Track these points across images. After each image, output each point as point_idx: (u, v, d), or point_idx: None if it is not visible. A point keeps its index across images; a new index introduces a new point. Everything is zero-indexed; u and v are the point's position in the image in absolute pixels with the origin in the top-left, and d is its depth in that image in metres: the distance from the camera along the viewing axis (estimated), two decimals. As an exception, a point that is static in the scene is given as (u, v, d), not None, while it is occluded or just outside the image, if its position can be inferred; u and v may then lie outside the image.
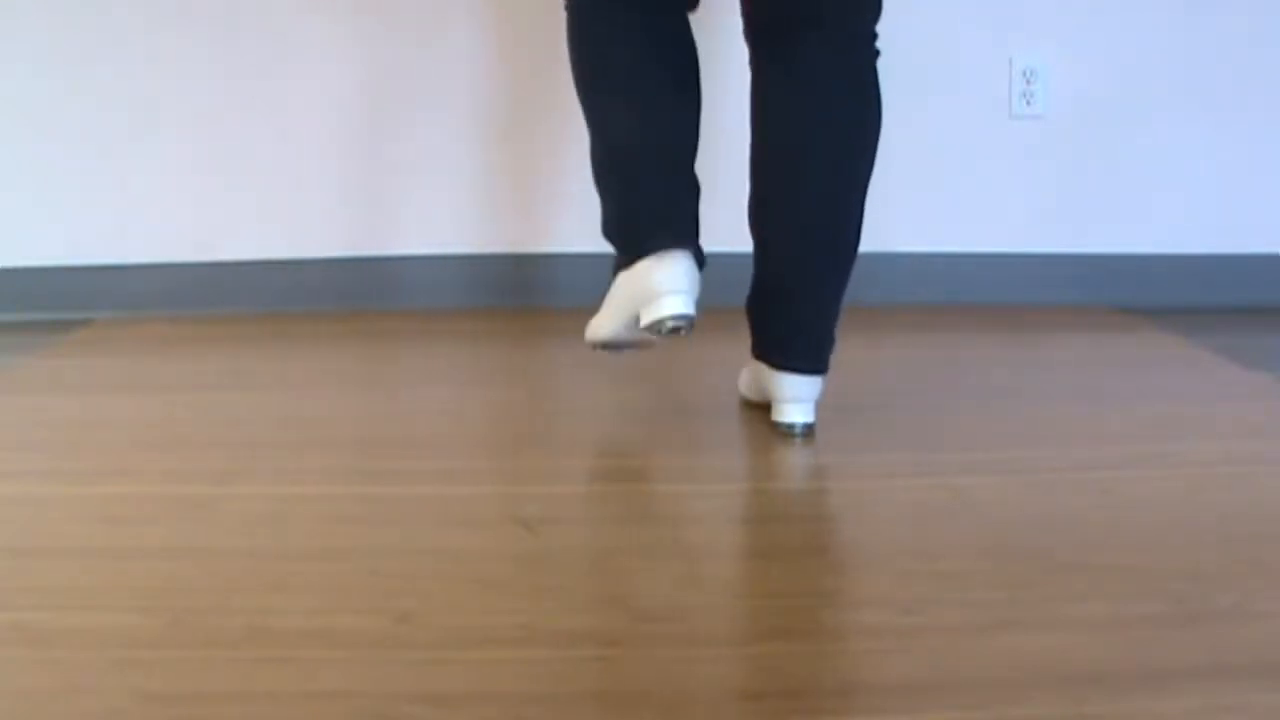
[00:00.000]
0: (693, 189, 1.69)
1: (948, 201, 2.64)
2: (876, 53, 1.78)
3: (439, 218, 2.63)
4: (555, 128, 2.56)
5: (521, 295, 2.65)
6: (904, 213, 2.63)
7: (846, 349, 2.27)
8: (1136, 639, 1.10)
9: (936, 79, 2.59)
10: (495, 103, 2.57)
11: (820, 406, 1.72)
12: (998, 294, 2.65)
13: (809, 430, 1.70)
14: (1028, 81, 2.59)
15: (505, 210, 2.62)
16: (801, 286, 1.70)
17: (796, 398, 1.70)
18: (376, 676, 1.05)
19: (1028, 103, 2.60)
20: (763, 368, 1.74)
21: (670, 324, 1.60)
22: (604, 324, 1.72)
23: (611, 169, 1.69)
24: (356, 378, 2.12)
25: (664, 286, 1.59)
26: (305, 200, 2.61)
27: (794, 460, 1.62)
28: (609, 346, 1.77)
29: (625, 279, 1.66)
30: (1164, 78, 2.61)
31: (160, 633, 1.13)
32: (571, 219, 2.59)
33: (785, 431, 1.70)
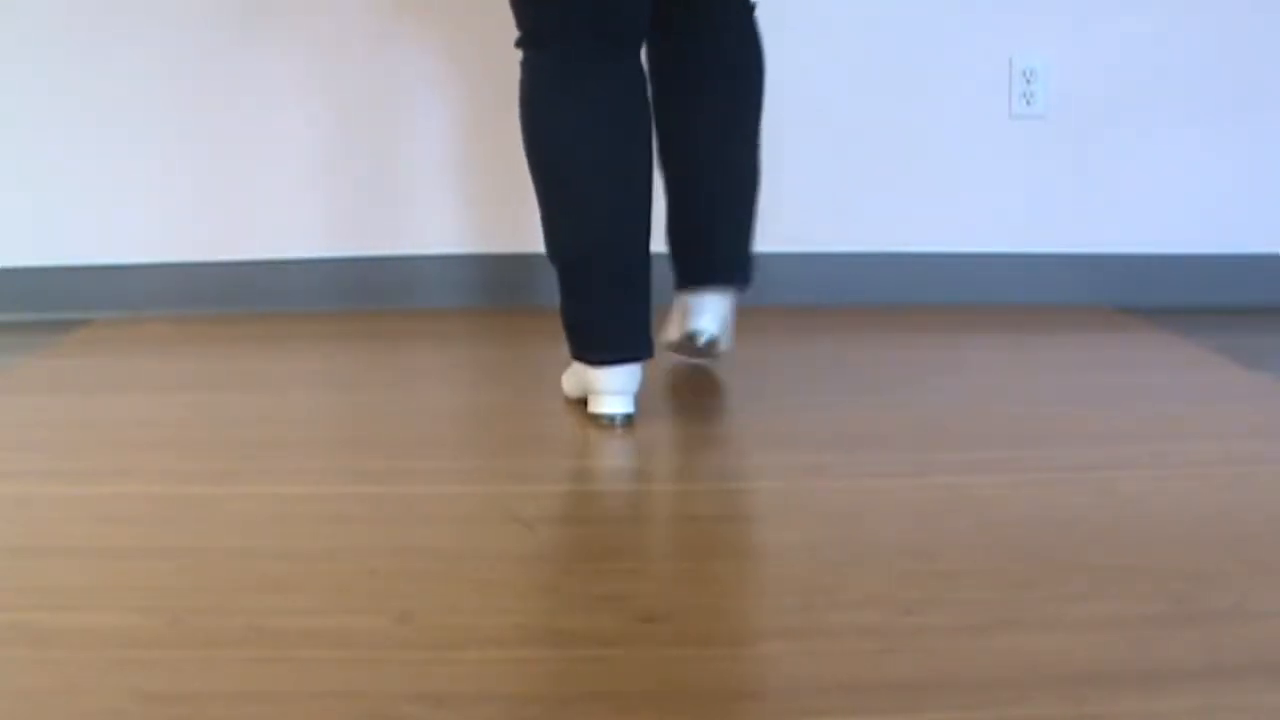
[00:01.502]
0: (639, 292, 1.74)
1: (948, 201, 2.64)
2: (752, 7, 1.92)
3: (439, 218, 2.63)
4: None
5: (521, 295, 2.65)
6: (904, 213, 2.63)
7: (846, 349, 2.27)
8: (1136, 639, 1.10)
9: (936, 79, 2.59)
10: (496, 102, 2.57)
11: (821, 406, 1.72)
12: (998, 294, 2.65)
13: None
14: (1028, 81, 2.59)
15: (505, 210, 2.62)
16: (718, 211, 1.91)
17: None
18: (376, 676, 1.05)
19: (1028, 103, 2.60)
20: (684, 296, 1.93)
21: (607, 422, 1.77)
22: (568, 386, 1.90)
23: (562, 265, 1.76)
24: (356, 377, 2.12)
25: (606, 388, 1.76)
26: (305, 200, 2.61)
27: (793, 460, 1.62)
28: None
29: (577, 367, 1.83)
30: (1164, 78, 2.61)
31: (160, 633, 1.13)
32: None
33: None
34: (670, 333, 2.02)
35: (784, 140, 2.58)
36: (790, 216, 2.59)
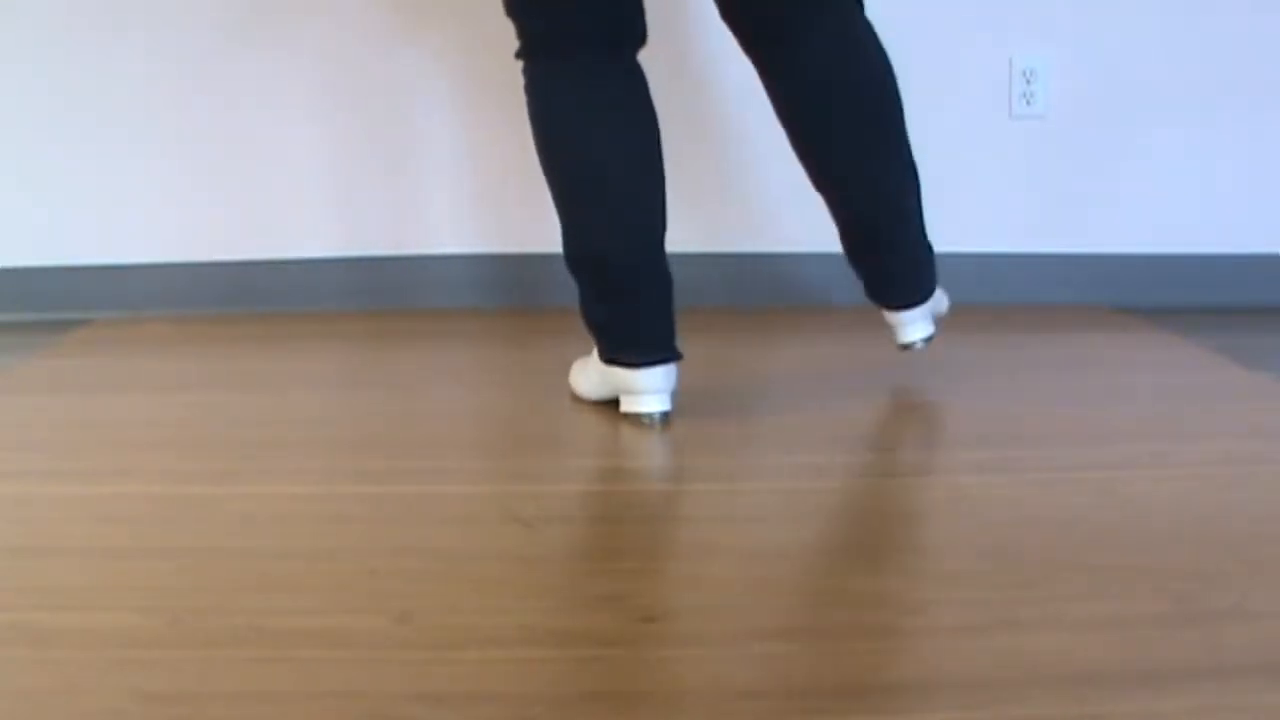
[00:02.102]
0: (665, 292, 1.75)
1: (948, 201, 2.63)
2: (862, 5, 1.84)
3: (439, 217, 2.63)
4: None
5: (521, 295, 2.65)
6: (904, 213, 2.63)
7: (846, 348, 2.27)
8: (1136, 639, 1.10)
9: (936, 79, 2.59)
10: (496, 101, 2.57)
11: (821, 406, 1.72)
12: (998, 294, 2.65)
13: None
14: (1028, 81, 2.59)
15: (506, 210, 2.62)
16: (885, 234, 1.87)
17: (915, 319, 1.88)
18: (376, 676, 1.05)
19: (1028, 103, 2.60)
20: (615, 369, 1.80)
21: (647, 421, 1.77)
22: (584, 388, 1.89)
23: (590, 269, 1.75)
24: (356, 377, 2.12)
25: (645, 389, 1.76)
26: (306, 200, 2.61)
27: (793, 460, 1.62)
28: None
29: (605, 369, 1.81)
30: (1164, 78, 2.61)
31: (160, 633, 1.13)
32: (571, 219, 2.59)
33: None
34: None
35: (783, 140, 2.57)
36: (790, 216, 2.59)
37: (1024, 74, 2.59)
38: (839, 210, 1.88)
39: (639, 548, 1.35)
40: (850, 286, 2.68)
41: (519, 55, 1.74)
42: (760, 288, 2.61)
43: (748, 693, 1.02)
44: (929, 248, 1.92)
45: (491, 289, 2.65)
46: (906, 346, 1.93)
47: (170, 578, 1.26)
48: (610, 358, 1.79)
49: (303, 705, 1.00)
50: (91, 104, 2.55)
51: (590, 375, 1.88)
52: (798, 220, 2.61)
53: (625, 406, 1.79)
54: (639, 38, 1.74)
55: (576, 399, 1.90)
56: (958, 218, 2.64)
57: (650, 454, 1.68)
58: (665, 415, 1.78)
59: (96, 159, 2.57)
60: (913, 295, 1.90)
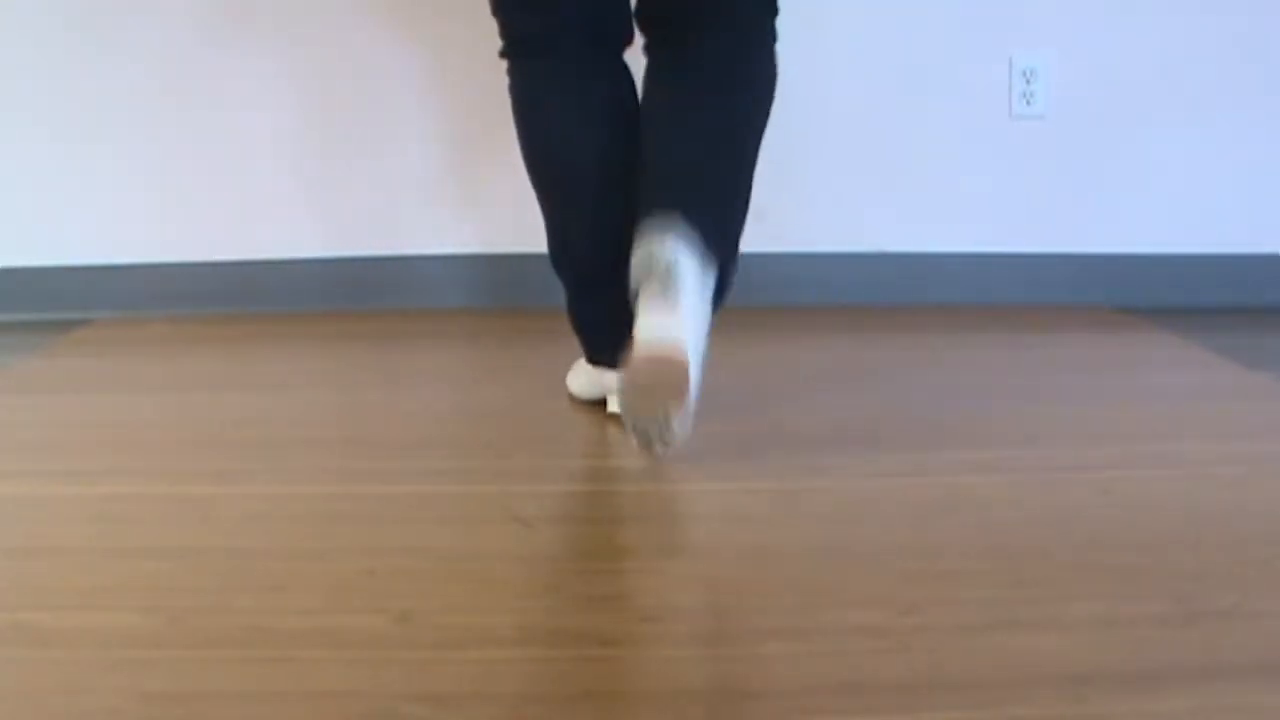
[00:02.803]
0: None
1: (948, 201, 2.64)
2: (774, 37, 1.72)
3: (438, 217, 2.63)
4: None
5: (521, 295, 2.65)
6: (904, 213, 2.63)
7: (846, 348, 2.27)
8: (1136, 639, 1.10)
9: (936, 79, 2.59)
10: (496, 101, 2.56)
11: (821, 406, 1.72)
12: (997, 294, 2.65)
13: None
14: (1028, 81, 2.59)
15: (505, 210, 2.62)
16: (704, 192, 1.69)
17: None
18: (376, 676, 1.05)
19: (1028, 103, 2.60)
20: (602, 370, 1.78)
21: None
22: (576, 387, 1.89)
23: (564, 270, 1.78)
24: (356, 377, 2.12)
25: None
26: (306, 200, 2.61)
27: (793, 460, 1.62)
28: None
29: (592, 369, 1.82)
30: (1164, 78, 2.61)
31: (160, 633, 1.13)
32: (571, 219, 2.59)
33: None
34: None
35: (783, 140, 2.57)
36: (790, 216, 2.59)
37: (1024, 74, 2.59)
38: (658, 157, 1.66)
39: (639, 548, 1.35)
40: (848, 287, 2.69)
41: (502, 54, 1.74)
42: (759, 288, 2.61)
43: (748, 693, 1.02)
44: (735, 254, 1.70)
45: (491, 289, 2.65)
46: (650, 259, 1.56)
47: (170, 578, 1.26)
48: (594, 359, 1.80)
49: (303, 705, 1.00)
50: (91, 104, 2.55)
51: (581, 375, 1.88)
52: (796, 220, 2.61)
53: (611, 407, 1.78)
54: (623, 37, 1.74)
55: (573, 398, 1.90)
56: (958, 218, 2.64)
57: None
58: None
59: (96, 159, 2.57)
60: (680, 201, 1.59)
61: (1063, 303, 2.64)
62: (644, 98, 1.74)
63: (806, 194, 2.62)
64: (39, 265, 2.60)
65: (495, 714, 0.99)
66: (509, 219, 2.62)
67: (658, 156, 1.67)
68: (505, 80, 1.77)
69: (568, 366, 1.95)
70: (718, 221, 1.64)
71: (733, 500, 1.48)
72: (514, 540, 1.35)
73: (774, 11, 1.73)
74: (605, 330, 1.72)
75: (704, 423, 1.79)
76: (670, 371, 1.47)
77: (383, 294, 2.65)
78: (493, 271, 2.65)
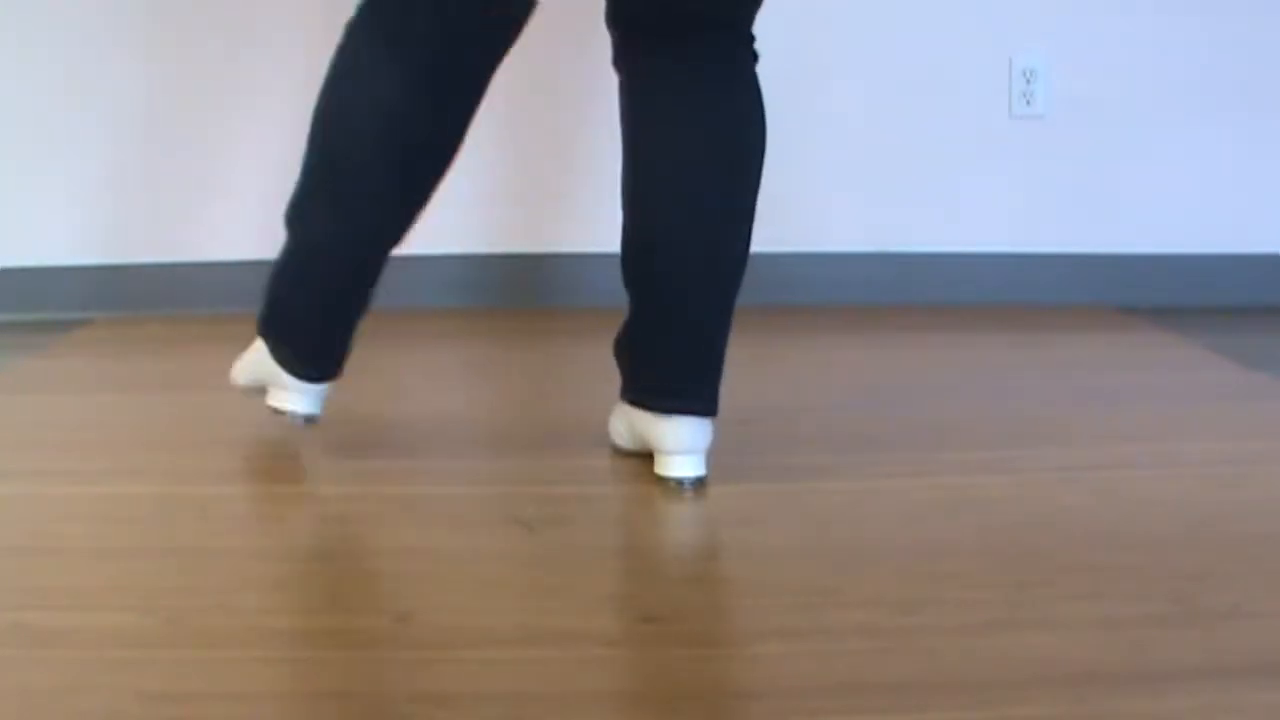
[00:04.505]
0: (359, 315, 1.62)
1: (948, 201, 2.64)
2: (755, 55, 1.56)
3: (438, 217, 2.62)
4: (556, 127, 2.56)
5: (521, 295, 2.65)
6: (904, 213, 2.63)
7: (846, 348, 2.27)
8: (1136, 639, 1.10)
9: (936, 79, 2.59)
10: (496, 101, 2.56)
11: (820, 406, 1.72)
12: (998, 294, 2.65)
13: (700, 484, 1.51)
14: (1028, 81, 2.59)
15: (505, 210, 2.62)
16: (693, 317, 1.49)
17: (687, 448, 1.49)
18: (376, 676, 1.05)
19: (1028, 103, 2.60)
20: (641, 414, 1.52)
21: (290, 419, 1.62)
22: (241, 373, 1.69)
23: (298, 261, 1.61)
24: (356, 377, 2.12)
25: (291, 385, 1.60)
26: (305, 200, 2.60)
27: (793, 460, 1.62)
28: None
29: (264, 355, 1.62)
30: (1164, 78, 2.61)
31: (160, 633, 1.13)
32: (571, 219, 2.59)
33: (673, 487, 1.50)
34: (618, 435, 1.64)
35: (783, 140, 2.57)
36: (790, 216, 2.59)
37: (1024, 74, 2.59)
38: (672, 272, 1.50)
39: (639, 548, 1.35)
40: (848, 287, 2.69)
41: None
42: (760, 288, 2.61)
43: (748, 693, 1.02)
44: (721, 353, 1.54)
45: (492, 289, 2.65)
46: (678, 483, 1.51)
47: (170, 578, 1.26)
48: (272, 346, 1.61)
49: (303, 705, 1.00)
50: (91, 103, 2.55)
51: (249, 356, 1.67)
52: (796, 220, 2.61)
53: (270, 398, 1.62)
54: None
55: (577, 400, 1.89)
56: (958, 218, 2.64)
57: (649, 455, 1.68)
58: (312, 419, 1.62)
59: (96, 159, 2.57)
60: (707, 401, 1.50)
61: (1063, 303, 2.64)
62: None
63: (807, 194, 2.62)
64: (39, 265, 2.60)
65: (495, 714, 0.99)
66: (510, 219, 2.62)
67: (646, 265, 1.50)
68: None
69: (567, 367, 1.95)
70: (718, 371, 1.53)
71: (733, 500, 1.48)
72: (514, 540, 1.35)
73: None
74: (310, 347, 1.60)
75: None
76: None
77: (383, 293, 2.64)
78: (493, 272, 2.65)
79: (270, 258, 2.61)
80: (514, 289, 2.65)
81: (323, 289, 1.59)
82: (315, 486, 1.54)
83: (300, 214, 1.62)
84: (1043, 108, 2.61)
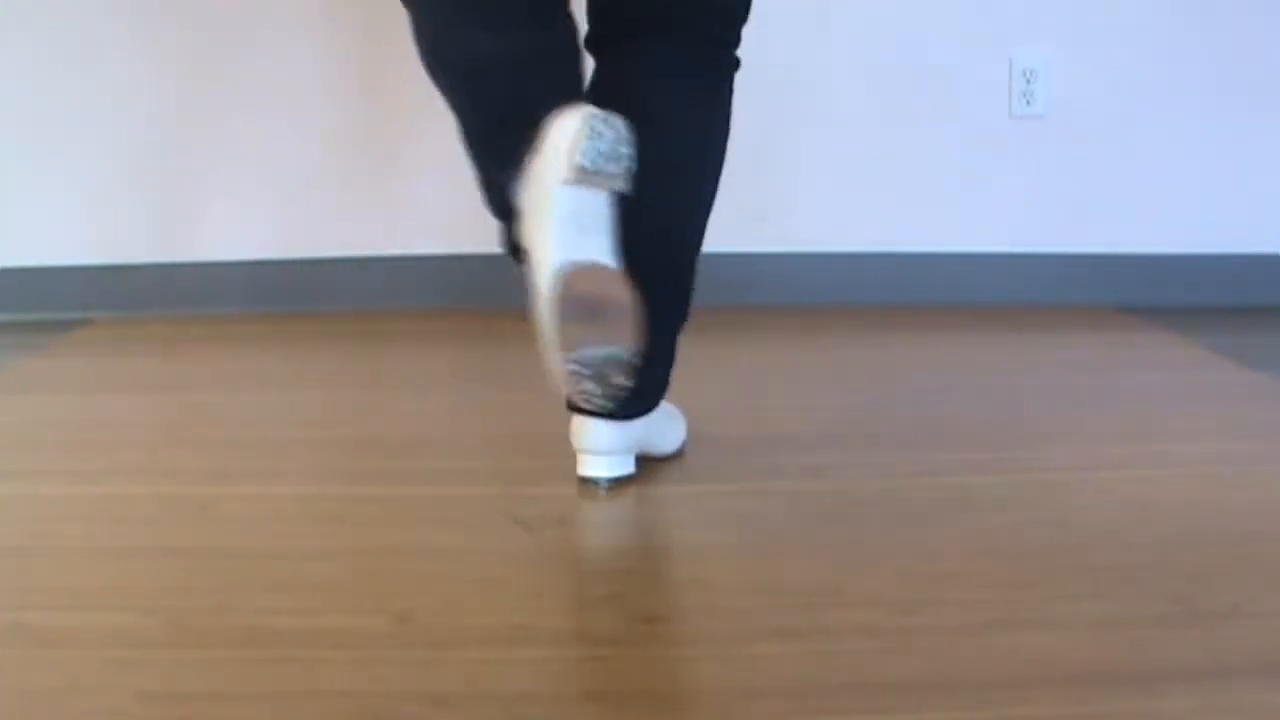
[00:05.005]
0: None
1: (948, 201, 2.64)
2: (735, 63, 1.51)
3: (439, 218, 2.63)
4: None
5: (521, 296, 2.64)
6: (904, 213, 2.63)
7: (845, 349, 2.27)
8: (1136, 639, 1.10)
9: (937, 79, 2.59)
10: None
11: (821, 406, 1.72)
12: (998, 294, 2.65)
13: (614, 484, 1.48)
14: (1028, 81, 2.59)
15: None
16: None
17: (600, 448, 1.47)
18: (376, 676, 1.05)
19: (1028, 103, 2.60)
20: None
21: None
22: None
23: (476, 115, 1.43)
24: (356, 377, 2.12)
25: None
26: (305, 200, 2.61)
27: (793, 460, 1.62)
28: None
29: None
30: (1164, 78, 2.61)
31: (160, 633, 1.13)
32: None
33: (590, 486, 1.48)
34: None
35: (783, 140, 2.58)
36: (790, 216, 2.59)
37: (1024, 74, 2.59)
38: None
39: (639, 548, 1.35)
40: (847, 287, 2.69)
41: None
42: (760, 288, 2.61)
43: (748, 693, 1.02)
44: (672, 355, 1.54)
45: (492, 289, 2.65)
46: (592, 483, 1.49)
47: (170, 578, 1.26)
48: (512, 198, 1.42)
49: (303, 705, 1.00)
50: (91, 103, 2.55)
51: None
52: (796, 220, 2.61)
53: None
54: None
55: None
56: (958, 218, 2.64)
57: (649, 456, 1.68)
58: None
59: (96, 158, 2.57)
60: (629, 404, 1.42)
61: (1063, 303, 2.64)
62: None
63: (806, 194, 2.62)
64: (39, 265, 2.60)
65: (495, 714, 0.99)
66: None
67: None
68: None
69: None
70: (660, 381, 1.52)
71: (732, 500, 1.48)
72: (514, 540, 1.35)
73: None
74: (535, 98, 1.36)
75: (704, 423, 1.79)
76: (612, 283, 1.32)
77: (384, 294, 2.65)
78: (494, 272, 2.64)
79: (270, 257, 2.63)
80: (514, 289, 2.65)
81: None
82: (315, 486, 1.54)
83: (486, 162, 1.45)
84: (1043, 108, 2.61)
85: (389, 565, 1.29)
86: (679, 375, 1.99)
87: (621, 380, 1.34)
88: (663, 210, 1.46)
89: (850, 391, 1.95)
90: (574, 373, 1.32)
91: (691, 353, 2.13)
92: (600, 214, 1.33)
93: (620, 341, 1.33)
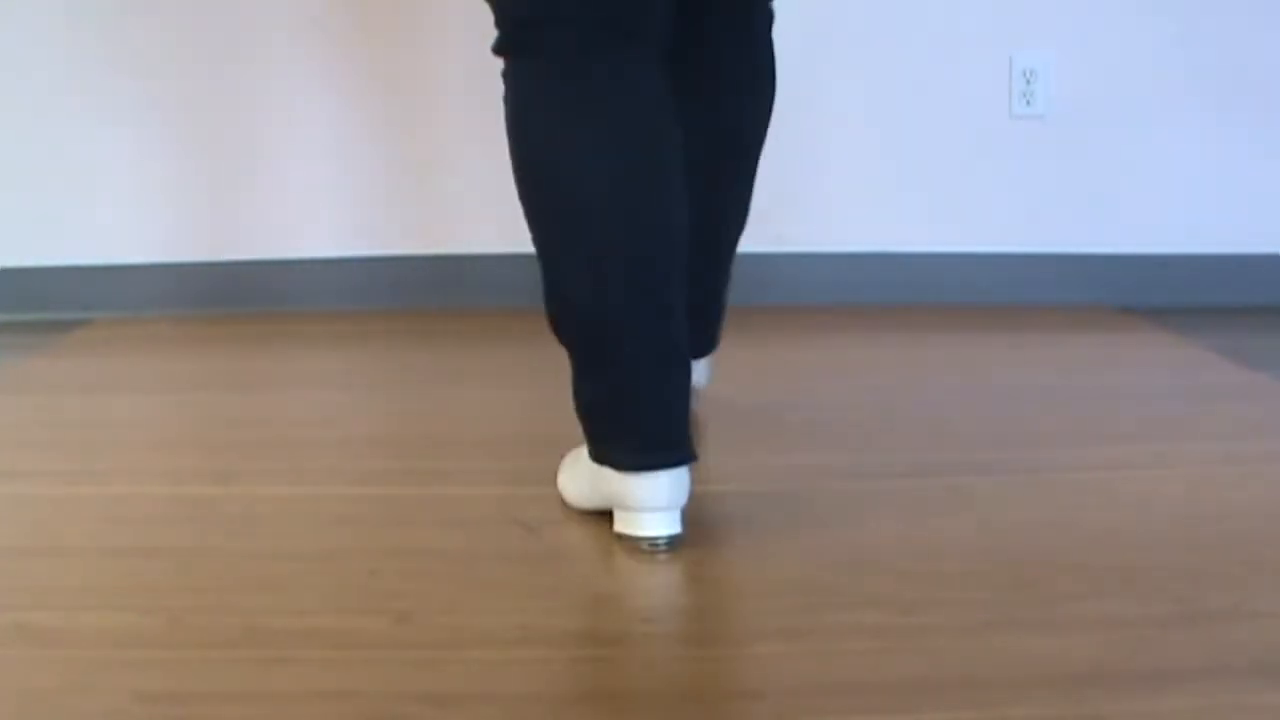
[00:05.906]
0: (675, 367, 1.33)
1: (948, 201, 2.63)
2: (771, 15, 1.57)
3: (439, 217, 2.63)
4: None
5: (521, 296, 2.64)
6: (904, 213, 2.63)
7: (846, 348, 2.27)
8: (1136, 639, 1.10)
9: (936, 79, 2.58)
10: (496, 101, 2.56)
11: (821, 406, 1.71)
12: (998, 294, 2.65)
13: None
14: (1028, 81, 2.59)
15: (504, 210, 2.61)
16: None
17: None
18: (376, 676, 1.05)
19: (1028, 103, 2.60)
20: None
21: (649, 546, 1.31)
22: (573, 493, 1.43)
23: (575, 334, 1.35)
24: (357, 378, 2.12)
25: (646, 503, 1.30)
26: (304, 200, 2.61)
27: (794, 460, 1.62)
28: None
29: (595, 471, 1.35)
30: (1164, 77, 2.61)
31: (160, 633, 1.13)
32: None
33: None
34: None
35: (784, 141, 2.57)
36: (790, 217, 2.59)
37: (1024, 74, 2.59)
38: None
39: (638, 548, 1.35)
40: (848, 287, 2.69)
41: (498, 49, 1.36)
42: (760, 288, 2.61)
43: (748, 693, 1.02)
44: (724, 302, 1.72)
45: (492, 289, 2.65)
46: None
47: (170, 578, 1.26)
48: (600, 455, 1.33)
49: (303, 705, 1.00)
50: (92, 103, 2.55)
51: (579, 477, 1.41)
52: (796, 221, 2.61)
53: (620, 526, 1.33)
54: (660, 29, 1.32)
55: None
56: (958, 218, 2.64)
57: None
58: (674, 540, 1.31)
59: (97, 159, 2.57)
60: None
61: (1063, 303, 2.64)
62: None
63: (807, 195, 2.62)
64: (39, 265, 2.60)
65: (495, 714, 0.99)
66: (510, 220, 2.62)
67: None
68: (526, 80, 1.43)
69: (568, 367, 1.94)
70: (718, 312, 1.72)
71: (732, 500, 1.48)
72: (515, 541, 1.35)
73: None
74: (620, 421, 1.32)
75: (702, 424, 1.79)
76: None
77: (384, 294, 2.65)
78: (494, 272, 2.64)
79: (267, 257, 2.63)
80: (514, 289, 2.65)
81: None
82: (315, 486, 1.54)
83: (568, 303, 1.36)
84: (1043, 108, 2.61)
85: (389, 565, 1.29)
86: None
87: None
88: (746, 192, 1.69)
89: (850, 391, 1.95)
90: None
91: (691, 353, 2.13)
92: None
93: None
